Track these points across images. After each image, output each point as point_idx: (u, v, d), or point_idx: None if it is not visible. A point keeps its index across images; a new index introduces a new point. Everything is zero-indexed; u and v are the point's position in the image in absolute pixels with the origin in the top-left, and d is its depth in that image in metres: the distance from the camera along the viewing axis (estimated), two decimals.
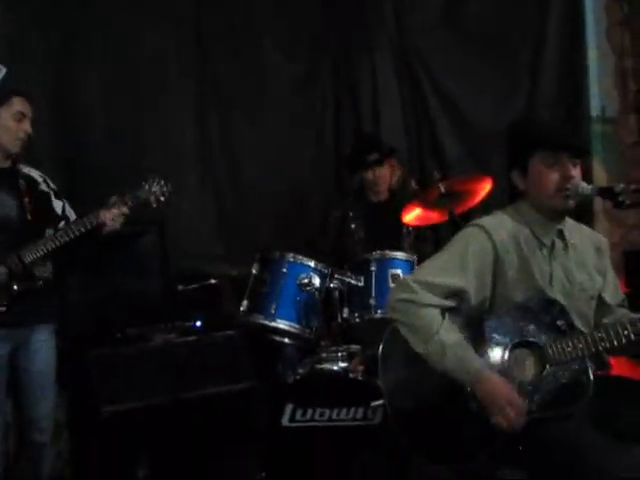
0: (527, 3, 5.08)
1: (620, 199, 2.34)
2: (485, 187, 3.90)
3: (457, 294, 2.44)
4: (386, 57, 5.16)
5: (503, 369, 2.37)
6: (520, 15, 5.06)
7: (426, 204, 3.97)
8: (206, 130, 4.94)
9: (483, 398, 2.32)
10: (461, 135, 5.12)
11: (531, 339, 2.39)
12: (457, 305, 2.45)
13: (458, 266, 2.45)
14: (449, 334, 2.39)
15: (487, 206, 3.67)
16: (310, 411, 3.24)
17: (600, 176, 4.90)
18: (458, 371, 2.35)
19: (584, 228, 2.74)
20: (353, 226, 4.31)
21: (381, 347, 2.49)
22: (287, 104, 5.05)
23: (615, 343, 2.31)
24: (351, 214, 4.34)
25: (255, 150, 4.98)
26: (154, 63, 4.70)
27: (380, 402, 2.58)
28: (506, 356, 2.39)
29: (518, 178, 2.55)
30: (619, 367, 2.68)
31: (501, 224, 2.53)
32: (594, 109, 5.06)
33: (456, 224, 3.78)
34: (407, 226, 4.20)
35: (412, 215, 4.01)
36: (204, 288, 4.38)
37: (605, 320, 2.57)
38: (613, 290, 2.66)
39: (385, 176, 4.34)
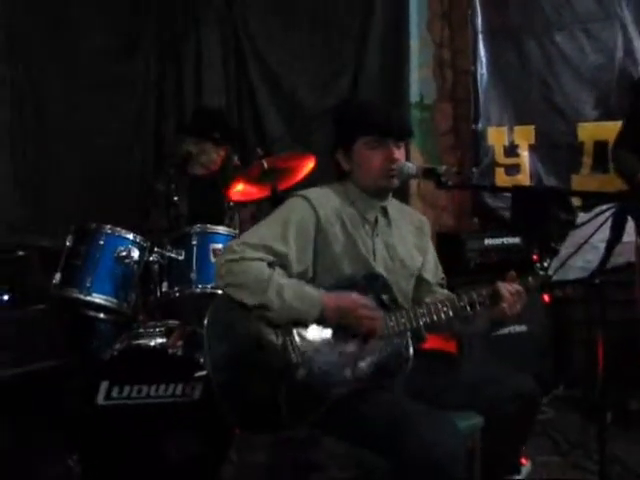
0: None
1: (443, 179, 2.43)
2: (308, 164, 3.92)
3: (279, 258, 2.42)
4: (212, 29, 5.05)
5: (328, 341, 2.38)
6: (347, 1, 5.13)
7: (248, 180, 3.93)
8: (15, 92, 4.65)
9: (336, 318, 2.35)
10: (284, 113, 5.11)
11: None
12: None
13: (279, 233, 2.43)
14: (283, 278, 2.39)
15: (310, 183, 3.68)
16: (127, 388, 3.11)
17: (417, 160, 5.04)
18: (301, 306, 2.34)
19: (407, 208, 2.83)
20: (176, 199, 4.20)
21: (207, 319, 2.43)
22: (106, 70, 4.83)
23: (435, 319, 2.41)
24: (173, 186, 4.22)
25: (70, 116, 4.74)
26: None
27: (204, 372, 2.52)
28: (331, 328, 2.40)
29: (343, 158, 2.59)
30: (431, 340, 2.77)
31: (326, 197, 2.55)
32: (413, 96, 5.22)
33: (279, 200, 3.77)
34: (229, 203, 4.15)
35: (234, 191, 3.96)
36: (11, 260, 4.11)
37: (427, 299, 2.64)
38: (434, 269, 2.77)
39: (219, 156, 4.24)
